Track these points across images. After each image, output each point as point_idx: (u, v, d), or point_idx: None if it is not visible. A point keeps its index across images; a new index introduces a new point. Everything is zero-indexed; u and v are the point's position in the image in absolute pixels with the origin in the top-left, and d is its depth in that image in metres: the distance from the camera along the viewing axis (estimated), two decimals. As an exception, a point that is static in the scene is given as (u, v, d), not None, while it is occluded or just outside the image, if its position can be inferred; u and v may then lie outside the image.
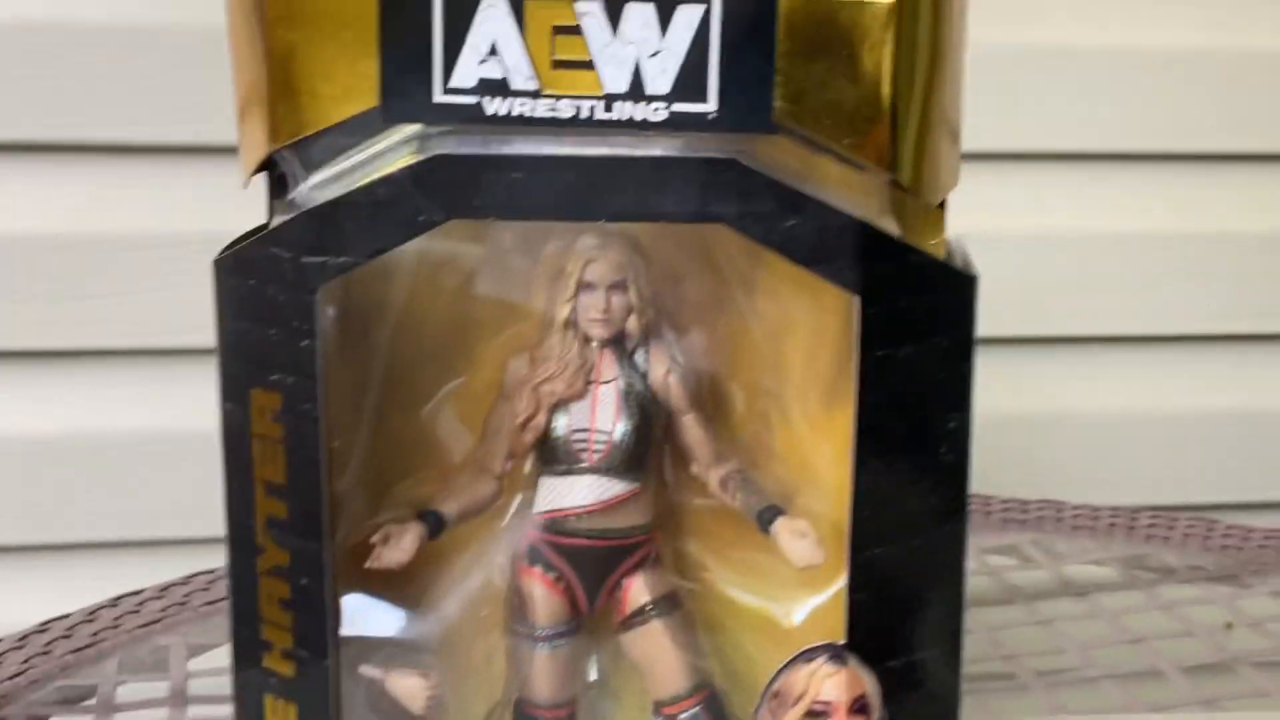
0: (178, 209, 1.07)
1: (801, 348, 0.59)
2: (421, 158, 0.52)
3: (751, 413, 0.60)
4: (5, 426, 1.17)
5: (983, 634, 0.89)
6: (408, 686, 0.59)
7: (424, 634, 0.59)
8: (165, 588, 0.98)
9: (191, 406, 1.07)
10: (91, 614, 0.95)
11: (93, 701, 0.85)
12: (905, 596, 0.56)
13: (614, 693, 0.62)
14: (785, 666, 0.56)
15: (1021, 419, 1.20)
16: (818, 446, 0.58)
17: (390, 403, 0.59)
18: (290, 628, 0.58)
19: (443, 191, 0.53)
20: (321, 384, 0.55)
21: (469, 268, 0.58)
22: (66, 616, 0.94)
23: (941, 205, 0.58)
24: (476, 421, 0.60)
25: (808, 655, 0.56)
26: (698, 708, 0.61)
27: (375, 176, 0.53)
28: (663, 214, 0.53)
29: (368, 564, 0.58)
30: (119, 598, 0.97)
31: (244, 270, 0.55)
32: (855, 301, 0.53)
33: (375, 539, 0.58)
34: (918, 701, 0.58)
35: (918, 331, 0.54)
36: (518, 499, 0.61)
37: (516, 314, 0.60)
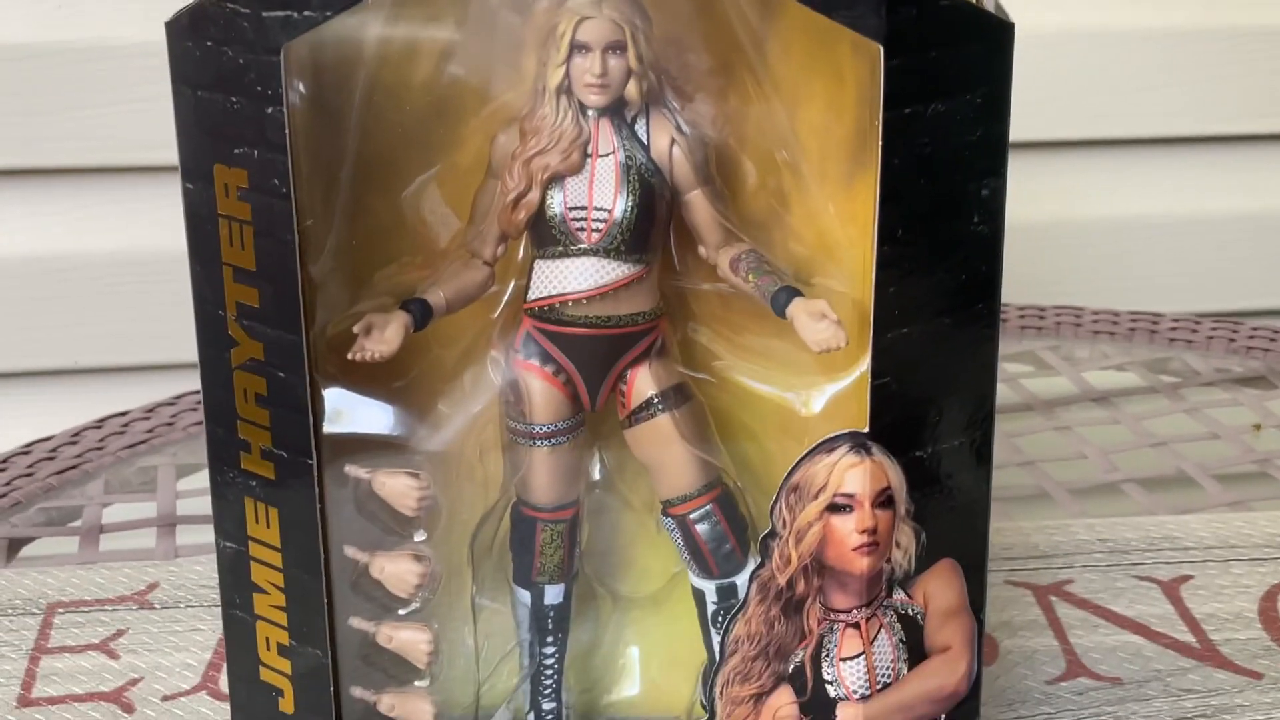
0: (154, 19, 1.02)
1: (819, 113, 0.53)
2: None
3: (764, 187, 0.55)
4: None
5: (1001, 440, 0.86)
6: (397, 486, 0.54)
7: (413, 432, 0.55)
8: (152, 408, 0.95)
9: (179, 225, 1.03)
10: (75, 435, 0.91)
11: (78, 523, 0.82)
12: (932, 382, 0.52)
13: (619, 492, 0.58)
14: (804, 458, 0.52)
15: (1039, 225, 1.15)
16: (838, 220, 0.53)
17: (369, 182, 0.54)
18: (268, 426, 0.53)
19: (416, -66, 0.47)
20: (291, 157, 0.49)
21: (447, 37, 0.53)
22: (49, 438, 0.90)
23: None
24: (463, 203, 0.55)
25: (828, 445, 0.52)
26: (710, 505, 0.56)
27: (340, -81, 0.47)
28: (664, -45, 0.47)
29: (350, 355, 0.53)
30: (104, 419, 0.93)
31: (199, 30, 0.50)
32: (879, 52, 0.48)
33: (357, 329, 0.53)
34: (945, 494, 0.53)
35: (949, 86, 0.49)
36: (511, 286, 0.56)
37: (504, 82, 0.54)
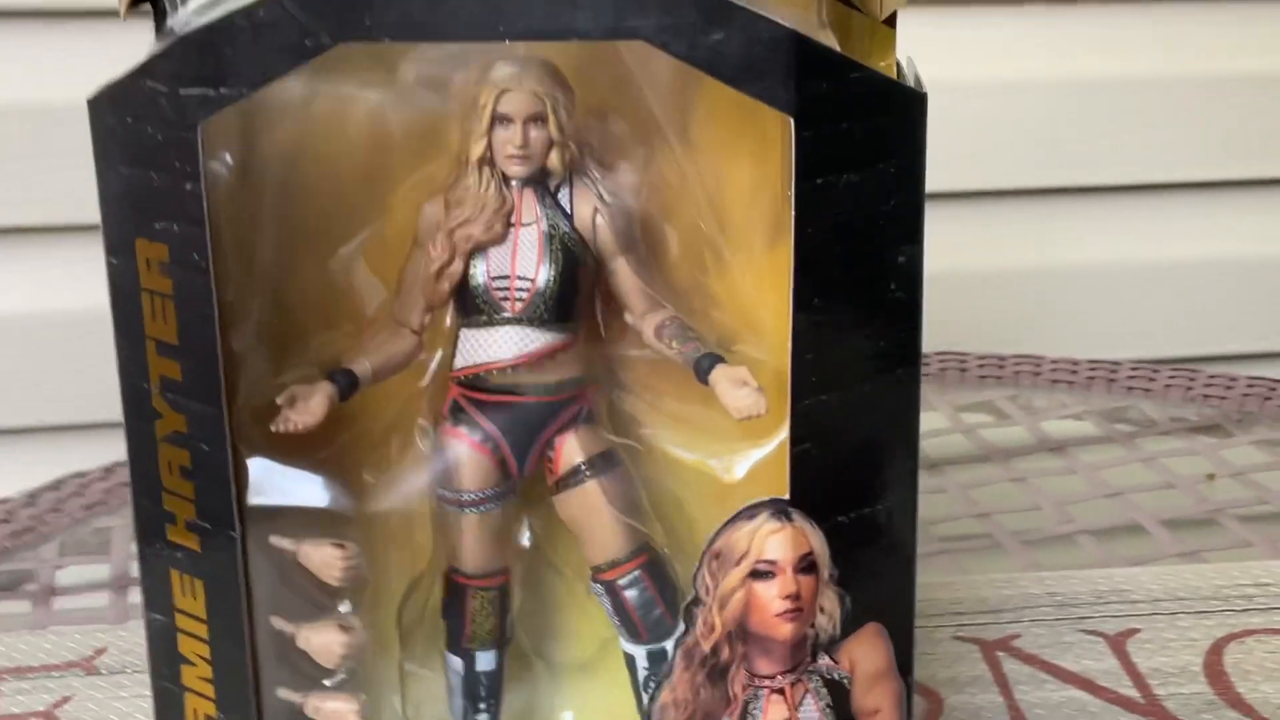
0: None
1: (743, 180, 0.54)
2: (306, -26, 0.47)
3: (688, 255, 0.55)
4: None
5: (957, 492, 0.86)
6: (322, 557, 0.55)
7: (339, 502, 0.55)
8: (110, 468, 0.95)
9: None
10: (32, 496, 0.91)
11: (32, 586, 0.82)
12: (853, 447, 0.52)
13: (549, 559, 0.58)
14: (726, 525, 0.52)
15: (999, 273, 1.15)
16: (759, 289, 0.54)
17: (294, 251, 0.54)
18: (192, 498, 0.53)
19: (330, 11, 0.47)
20: (210, 231, 0.50)
21: (372, 104, 0.53)
22: (6, 501, 0.90)
23: (891, 22, 0.54)
24: (390, 273, 0.56)
25: (749, 512, 0.52)
26: (638, 571, 0.57)
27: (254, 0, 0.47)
28: (574, 30, 0.48)
29: (273, 426, 0.53)
30: (61, 479, 0.93)
31: (120, 108, 0.50)
32: (790, 124, 0.48)
33: (280, 400, 0.53)
34: (872, 557, 0.54)
35: (861, 157, 0.49)
36: (438, 354, 0.56)
37: (427, 154, 0.55)
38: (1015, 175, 1.14)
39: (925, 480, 0.52)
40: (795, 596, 0.52)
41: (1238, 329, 1.23)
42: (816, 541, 0.52)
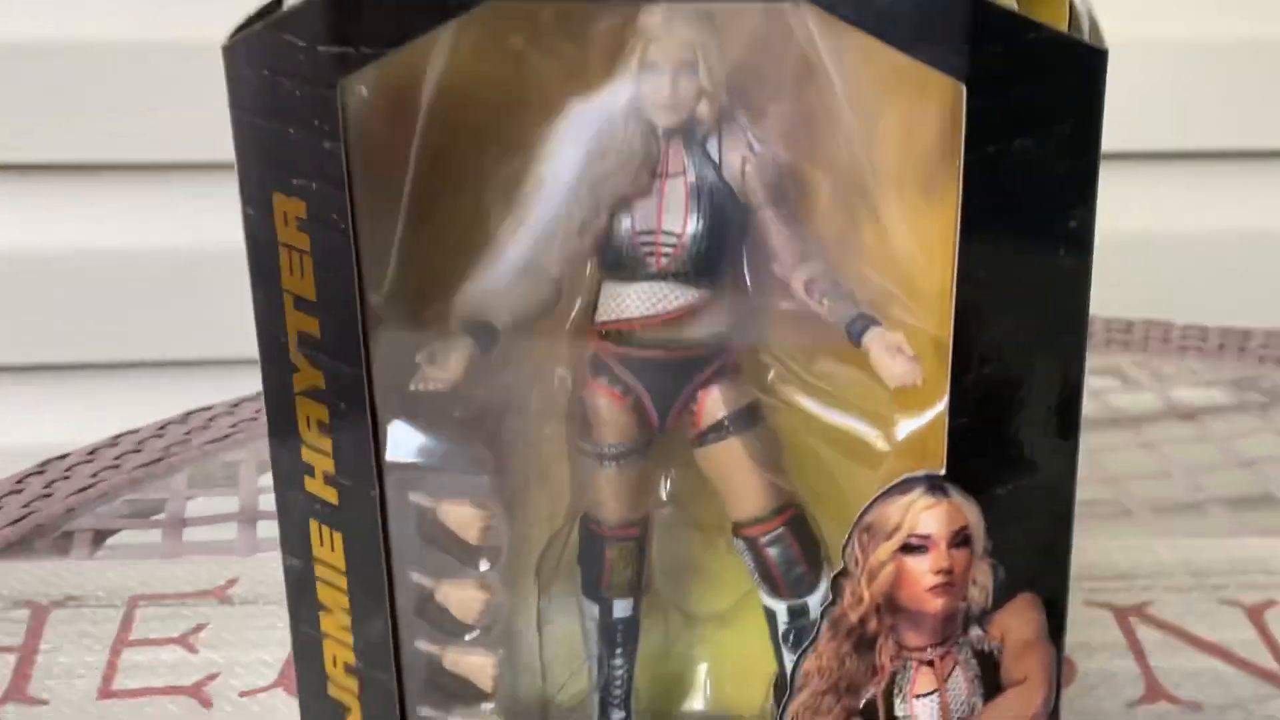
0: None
1: (896, 129, 0.51)
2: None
3: (840, 207, 0.53)
4: (76, 241, 1.13)
5: (1085, 457, 0.83)
6: (461, 516, 0.54)
7: (479, 457, 0.54)
8: (236, 403, 0.95)
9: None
10: (161, 428, 0.91)
11: (162, 516, 0.82)
12: (1015, 419, 0.50)
13: (689, 512, 0.57)
14: (879, 498, 0.50)
15: (1128, 236, 1.11)
16: (917, 250, 0.51)
17: (429, 201, 0.52)
18: (331, 453, 0.52)
19: (476, -33, 0.45)
20: (349, 191, 0.48)
21: (515, 47, 0.51)
22: (136, 431, 0.90)
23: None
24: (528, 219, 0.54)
25: (904, 486, 0.50)
26: (782, 529, 0.55)
27: (398, -48, 0.45)
28: (736, -10, 0.45)
29: (412, 386, 0.52)
30: (189, 413, 0.93)
31: (255, 59, 0.48)
32: (961, 90, 0.45)
33: (420, 358, 0.52)
34: (1025, 530, 0.52)
35: (1036, 120, 0.46)
36: (578, 303, 0.55)
37: (571, 96, 0.52)
38: (1149, 138, 1.10)
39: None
40: (948, 571, 0.50)
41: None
42: (972, 515, 0.50)
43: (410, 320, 0.52)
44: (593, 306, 0.54)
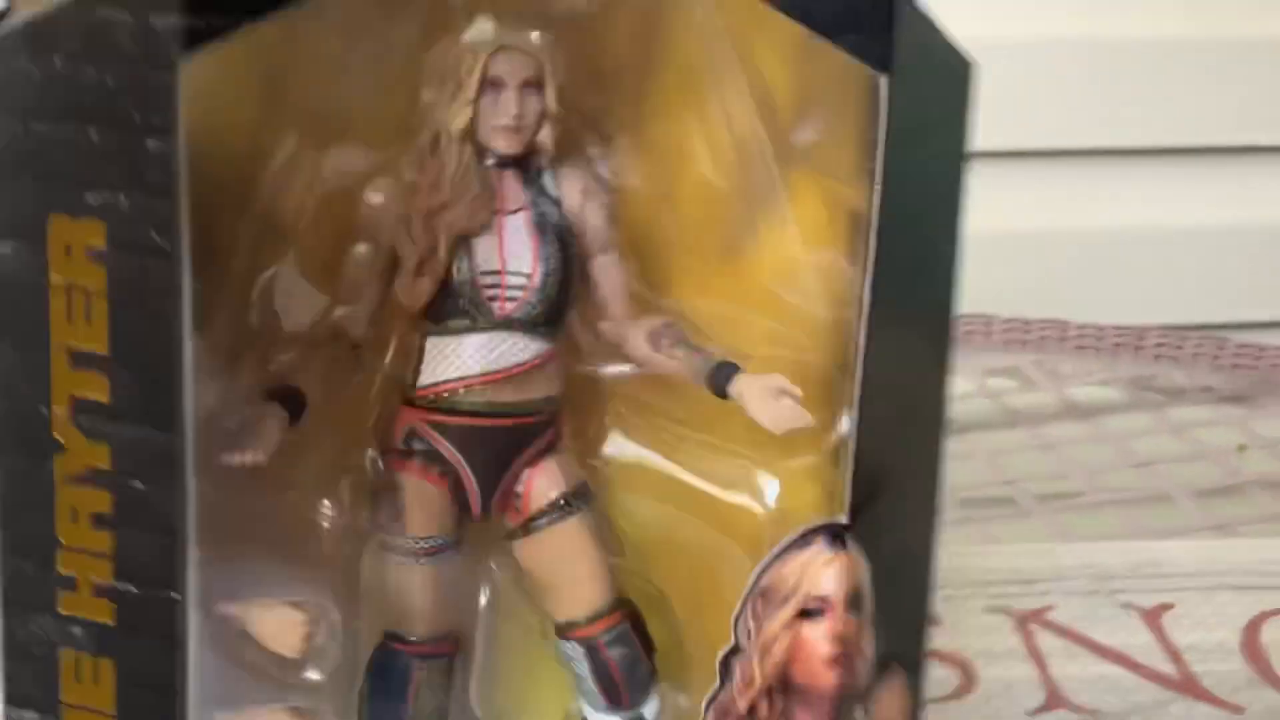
0: None
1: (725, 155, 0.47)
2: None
3: (685, 245, 0.48)
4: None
5: (983, 458, 0.84)
6: (277, 623, 0.44)
7: (297, 554, 0.44)
8: None
9: None
10: None
11: None
12: (902, 454, 0.46)
13: (508, 614, 0.49)
14: (776, 557, 0.45)
15: (1023, 235, 1.11)
16: (783, 276, 0.47)
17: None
18: (110, 554, 0.41)
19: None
20: (179, 200, 0.39)
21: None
22: None
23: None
24: (323, 271, 0.46)
25: (802, 540, 0.45)
26: (624, 623, 0.48)
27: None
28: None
29: (225, 459, 0.42)
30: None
31: (44, 46, 0.38)
32: (881, 83, 0.42)
33: (231, 425, 0.42)
34: (902, 587, 0.47)
35: (939, 125, 0.44)
36: (384, 366, 0.47)
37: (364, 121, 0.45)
38: (1038, 136, 1.10)
39: (951, 445, 0.47)
40: (845, 639, 0.45)
41: (1267, 296, 1.21)
42: (863, 572, 0.46)
43: (224, 376, 0.42)
44: (412, 370, 0.46)
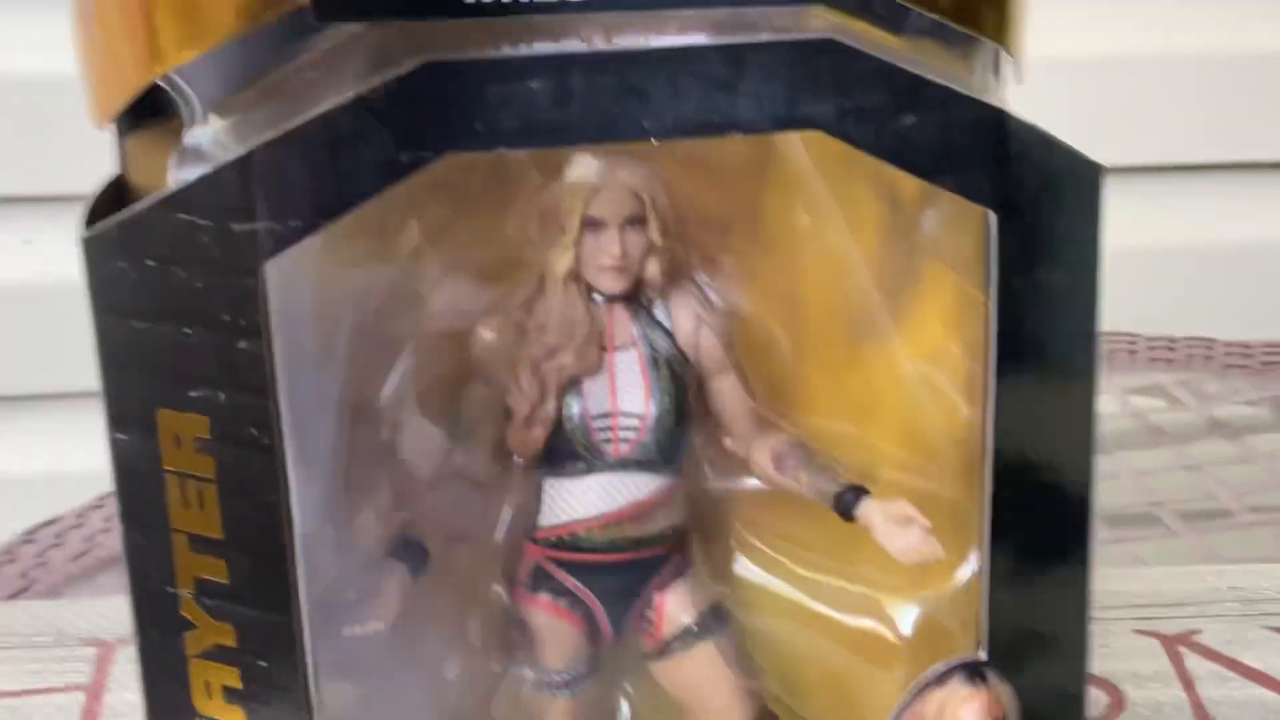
0: None
1: (841, 262, 0.46)
2: (400, 70, 0.37)
3: (804, 357, 0.47)
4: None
5: (1128, 478, 0.82)
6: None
7: (426, 709, 0.45)
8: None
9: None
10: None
11: None
12: (1040, 584, 0.44)
13: (649, 735, 0.49)
14: (914, 697, 0.44)
15: (1171, 251, 1.07)
16: (911, 390, 0.45)
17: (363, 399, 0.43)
18: (243, 724, 0.42)
19: (433, 115, 0.37)
20: (273, 399, 0.39)
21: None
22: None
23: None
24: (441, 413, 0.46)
25: (939, 678, 0.43)
26: (763, 744, 0.48)
27: (331, 104, 0.37)
28: (735, 124, 0.38)
29: (347, 631, 0.42)
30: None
31: (134, 248, 0.39)
32: (990, 219, 0.40)
33: (350, 595, 0.43)
34: (1053, 709, 0.46)
35: (1055, 246, 0.42)
36: (508, 508, 0.47)
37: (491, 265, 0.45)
38: (1188, 150, 1.07)
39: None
40: (989, 771, 0.44)
41: None
42: (1009, 701, 0.44)
43: (338, 549, 0.43)
44: (532, 511, 0.46)
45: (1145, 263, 0.87)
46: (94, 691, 0.60)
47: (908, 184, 0.42)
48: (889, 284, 0.46)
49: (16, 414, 1.04)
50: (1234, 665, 0.62)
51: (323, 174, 0.37)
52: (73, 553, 0.73)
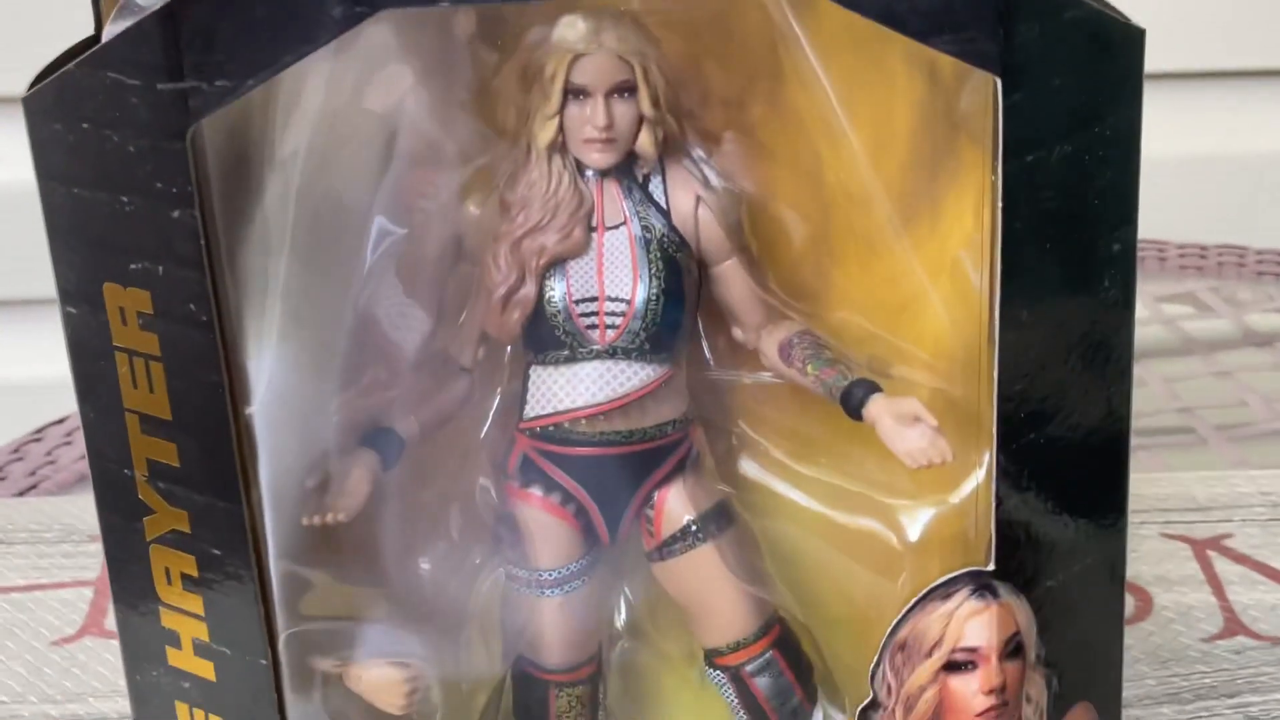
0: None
1: (871, 142, 0.42)
2: (329, -85, 0.34)
3: (817, 246, 0.43)
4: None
5: (1158, 385, 0.81)
6: (379, 680, 0.42)
7: (393, 603, 0.42)
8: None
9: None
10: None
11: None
12: (1062, 493, 0.40)
13: (651, 641, 0.46)
14: (913, 608, 0.40)
15: (1201, 158, 1.05)
16: (918, 286, 0.41)
17: (308, 281, 0.41)
18: (203, 614, 0.40)
19: (367, -35, 0.34)
20: (210, 273, 0.36)
21: (406, 77, 0.40)
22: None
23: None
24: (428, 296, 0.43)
25: (943, 590, 0.40)
26: (769, 652, 0.45)
27: (259, -51, 0.34)
28: (707, -26, 0.35)
29: (304, 520, 0.40)
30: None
31: (71, 108, 0.36)
32: (995, 85, 0.36)
33: (310, 483, 0.40)
34: (1079, 627, 0.42)
35: (1076, 120, 0.37)
36: (498, 395, 0.44)
37: (474, 140, 0.42)
38: (1221, 57, 1.04)
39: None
40: (1000, 690, 0.40)
41: None
42: (1023, 617, 0.40)
43: (297, 434, 0.40)
44: (520, 399, 0.43)
45: (1174, 171, 0.83)
46: (100, 587, 0.60)
47: (947, 56, 0.38)
48: (924, 169, 0.42)
49: (24, 318, 1.04)
50: (1264, 569, 0.61)
51: (250, 29, 0.34)
52: (80, 451, 0.72)
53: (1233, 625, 0.57)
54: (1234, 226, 0.98)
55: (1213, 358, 0.84)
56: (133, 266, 0.37)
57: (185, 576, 0.40)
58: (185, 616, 0.41)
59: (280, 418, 0.39)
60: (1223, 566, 0.61)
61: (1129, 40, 0.38)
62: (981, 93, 0.38)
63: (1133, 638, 0.55)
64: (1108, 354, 0.40)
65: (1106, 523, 0.41)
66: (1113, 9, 0.38)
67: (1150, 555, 0.61)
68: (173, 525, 0.40)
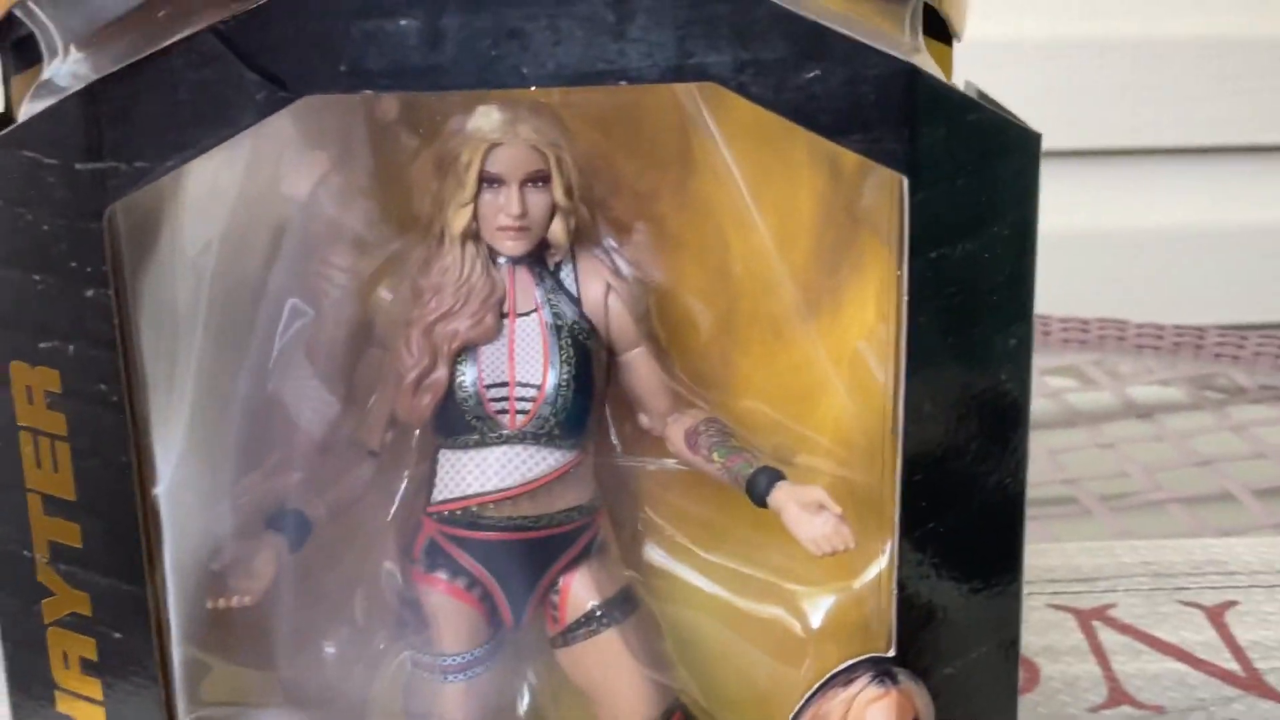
0: None
1: (778, 232, 0.43)
2: (254, 2, 0.34)
3: (722, 336, 0.44)
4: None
5: (1044, 458, 0.85)
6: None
7: (295, 689, 0.42)
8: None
9: None
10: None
11: None
12: (962, 579, 0.41)
13: (550, 724, 0.46)
14: (815, 694, 0.41)
15: (1082, 234, 1.09)
16: (823, 375, 0.42)
17: (218, 364, 0.41)
18: (101, 700, 0.40)
19: (290, 54, 0.34)
20: (123, 353, 0.36)
21: (322, 162, 0.40)
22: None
23: (947, 39, 0.43)
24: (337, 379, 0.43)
25: (844, 676, 0.41)
26: (671, 739, 0.45)
27: (181, 35, 0.34)
28: (623, 72, 0.36)
29: (209, 603, 0.40)
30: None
31: (-16, 188, 0.36)
32: (902, 184, 0.37)
33: (215, 566, 0.40)
34: (971, 713, 0.43)
35: (977, 218, 0.38)
36: (404, 479, 0.44)
37: (384, 225, 0.42)
38: (1096, 135, 1.08)
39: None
40: (899, 776, 0.41)
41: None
42: (923, 703, 0.41)
43: (202, 514, 0.40)
44: (427, 482, 0.43)
45: (1055, 246, 0.86)
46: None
47: (850, 152, 0.39)
48: (827, 261, 0.43)
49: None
50: (1147, 639, 0.62)
51: (172, 110, 0.35)
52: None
53: (1117, 695, 0.59)
54: (1113, 301, 1.02)
55: (1096, 429, 0.87)
56: (42, 345, 0.37)
57: (84, 661, 0.40)
58: (82, 701, 0.40)
59: (186, 499, 0.39)
60: (1107, 636, 0.62)
61: (1026, 142, 0.39)
62: (884, 189, 0.40)
63: (1021, 710, 0.56)
64: (1004, 443, 0.41)
65: (1003, 602, 0.42)
66: (1009, 112, 0.40)
67: (1037, 625, 0.62)
68: (73, 608, 0.39)
